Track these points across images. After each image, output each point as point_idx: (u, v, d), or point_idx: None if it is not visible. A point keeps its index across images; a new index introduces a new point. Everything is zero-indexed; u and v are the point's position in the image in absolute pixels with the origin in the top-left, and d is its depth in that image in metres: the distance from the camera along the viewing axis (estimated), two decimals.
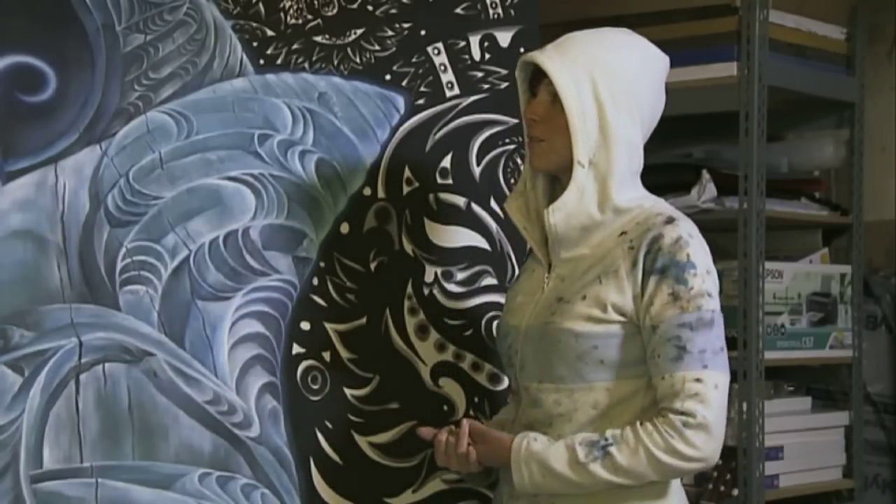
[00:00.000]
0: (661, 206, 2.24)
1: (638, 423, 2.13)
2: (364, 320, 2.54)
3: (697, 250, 2.16)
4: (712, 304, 2.14)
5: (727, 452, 3.20)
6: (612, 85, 2.18)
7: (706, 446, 2.11)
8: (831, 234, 3.53)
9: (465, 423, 2.26)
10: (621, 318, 2.16)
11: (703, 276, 2.14)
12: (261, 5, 2.45)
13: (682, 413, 2.10)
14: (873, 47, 3.58)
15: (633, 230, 2.19)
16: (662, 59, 2.27)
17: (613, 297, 2.16)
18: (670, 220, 2.18)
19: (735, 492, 3.17)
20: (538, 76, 2.24)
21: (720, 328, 2.16)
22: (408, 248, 2.59)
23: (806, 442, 3.36)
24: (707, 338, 2.12)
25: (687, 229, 2.17)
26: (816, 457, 3.39)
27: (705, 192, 3.21)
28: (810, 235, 3.53)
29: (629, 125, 2.20)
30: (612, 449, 2.12)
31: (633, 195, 2.22)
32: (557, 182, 2.28)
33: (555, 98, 2.20)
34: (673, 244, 2.14)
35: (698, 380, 2.11)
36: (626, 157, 2.20)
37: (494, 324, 2.65)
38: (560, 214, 2.19)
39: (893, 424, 3.59)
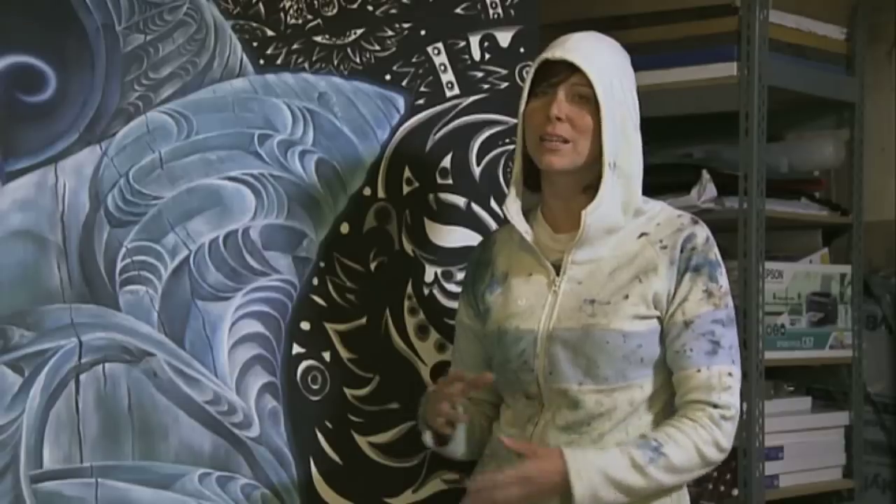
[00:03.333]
0: (670, 207, 2.30)
1: (678, 421, 2.19)
2: (364, 320, 2.54)
3: (718, 250, 2.25)
4: (732, 303, 2.25)
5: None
6: (625, 86, 2.22)
7: (732, 437, 2.22)
8: (831, 234, 3.53)
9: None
10: (657, 313, 2.22)
11: (726, 275, 2.25)
12: (261, 5, 2.45)
13: (719, 406, 2.19)
14: (873, 47, 3.58)
15: (656, 231, 2.24)
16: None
17: (655, 290, 2.21)
18: (696, 221, 2.26)
19: (735, 492, 3.17)
20: (549, 76, 2.22)
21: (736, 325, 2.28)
22: (408, 248, 2.59)
23: (806, 442, 3.35)
24: (733, 334, 2.24)
25: (708, 230, 2.26)
26: (816, 457, 3.39)
27: (705, 192, 3.21)
28: (810, 235, 3.53)
29: (637, 126, 2.24)
30: (665, 449, 2.17)
31: (642, 197, 2.27)
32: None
33: (577, 99, 2.20)
34: (705, 243, 2.23)
35: (730, 374, 2.21)
36: (640, 157, 2.24)
37: None
38: (595, 216, 2.21)
39: (893, 424, 3.59)
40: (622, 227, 2.23)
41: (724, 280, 2.23)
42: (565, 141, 2.20)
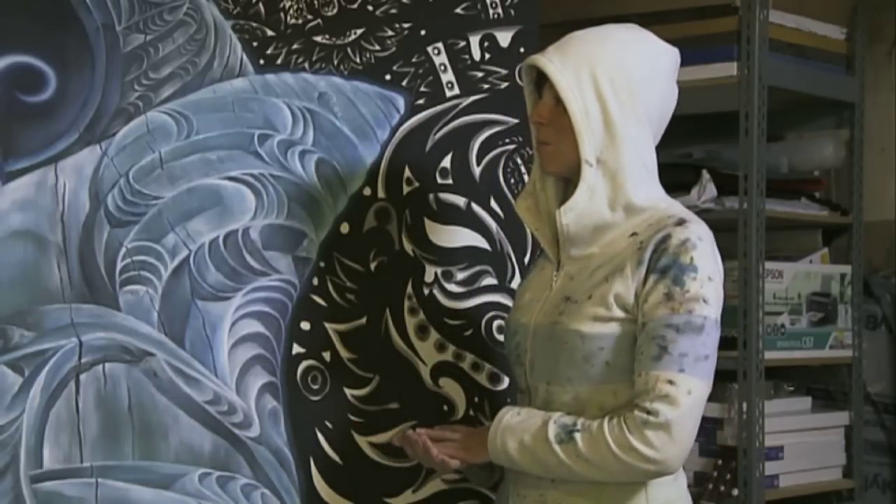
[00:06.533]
0: (675, 208, 2.22)
1: (607, 417, 2.12)
2: (364, 320, 2.54)
3: (703, 254, 2.13)
4: (706, 311, 2.11)
5: (727, 452, 3.21)
6: (614, 82, 2.16)
7: (665, 448, 2.07)
8: (831, 234, 3.54)
9: (423, 435, 2.28)
10: (623, 315, 2.14)
11: (703, 281, 2.11)
12: (261, 5, 2.45)
13: (648, 412, 2.07)
14: (873, 47, 3.59)
15: (644, 231, 2.17)
16: (669, 53, 2.25)
17: (616, 290, 2.14)
18: (681, 222, 2.15)
19: (735, 492, 3.17)
20: (543, 79, 2.22)
21: (710, 336, 2.11)
22: (408, 248, 2.59)
23: (806, 442, 3.36)
24: (692, 343, 2.09)
25: (697, 232, 2.14)
26: (816, 457, 3.39)
27: (705, 192, 3.22)
28: (810, 235, 3.53)
29: (634, 121, 2.18)
30: (577, 435, 2.11)
31: (648, 194, 2.20)
32: (570, 182, 2.25)
33: (558, 100, 2.18)
34: (679, 245, 2.12)
35: (671, 381, 2.07)
36: (634, 153, 2.17)
37: (495, 324, 2.65)
38: (572, 214, 2.18)
39: (893, 424, 3.60)
40: (612, 224, 2.18)
41: (693, 285, 2.09)
42: (549, 143, 2.21)
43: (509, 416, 2.20)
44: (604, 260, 2.19)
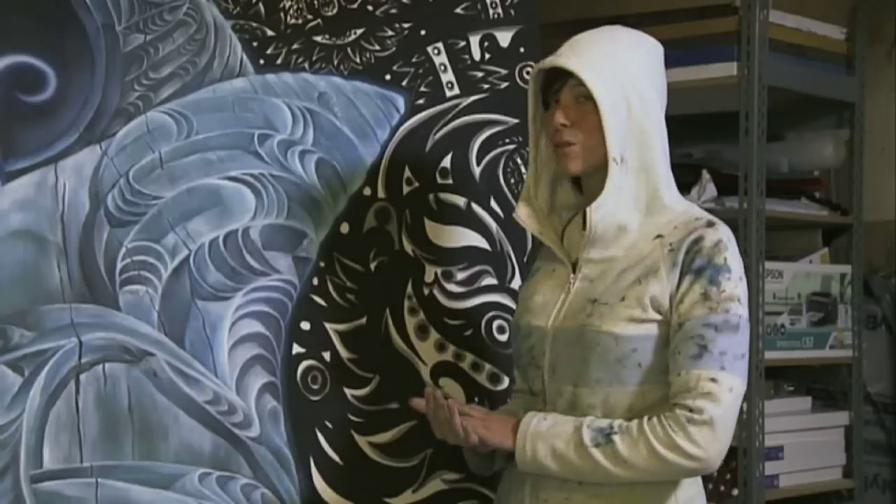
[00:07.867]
0: (696, 210, 2.24)
1: (645, 417, 2.12)
2: (364, 320, 2.54)
3: (734, 255, 2.17)
4: (741, 310, 2.14)
5: (727, 452, 3.21)
6: (634, 81, 2.18)
7: (710, 446, 2.09)
8: (831, 234, 3.53)
9: (450, 401, 2.22)
10: (658, 316, 2.15)
11: (737, 281, 2.15)
12: (261, 5, 2.45)
13: (691, 409, 2.09)
14: (873, 47, 3.58)
15: (670, 234, 2.18)
16: (660, 49, 2.27)
17: (652, 292, 2.15)
18: (711, 224, 2.18)
19: (735, 492, 3.17)
20: (553, 83, 2.22)
21: (745, 335, 2.15)
22: (408, 248, 2.59)
23: (806, 442, 3.36)
24: (730, 341, 2.12)
25: (726, 234, 2.18)
26: (816, 457, 3.39)
27: (705, 192, 3.21)
28: (810, 235, 3.53)
29: (653, 119, 2.19)
30: (616, 437, 2.11)
31: (671, 194, 2.22)
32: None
33: (580, 100, 2.18)
34: (713, 247, 2.15)
35: (713, 379, 2.10)
36: (658, 151, 2.19)
37: (495, 324, 2.65)
38: (601, 213, 2.17)
39: (893, 424, 3.60)
40: (635, 225, 2.19)
41: (729, 285, 2.13)
42: (574, 144, 2.20)
43: (536, 422, 2.18)
44: (630, 262, 2.19)
